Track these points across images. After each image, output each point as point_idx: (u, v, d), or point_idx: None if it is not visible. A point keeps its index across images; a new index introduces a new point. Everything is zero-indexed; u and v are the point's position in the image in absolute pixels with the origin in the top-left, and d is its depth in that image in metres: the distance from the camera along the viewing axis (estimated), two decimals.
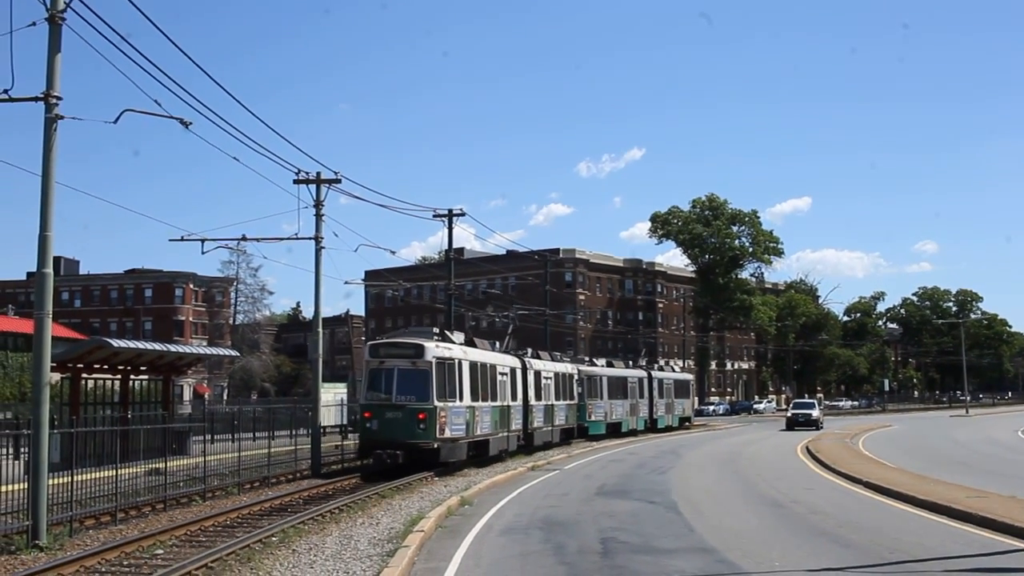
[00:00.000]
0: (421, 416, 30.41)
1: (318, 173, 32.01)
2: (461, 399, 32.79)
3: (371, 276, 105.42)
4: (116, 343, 31.44)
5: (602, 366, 58.75)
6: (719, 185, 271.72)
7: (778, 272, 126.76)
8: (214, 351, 45.88)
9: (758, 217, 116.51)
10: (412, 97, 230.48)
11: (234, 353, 49.86)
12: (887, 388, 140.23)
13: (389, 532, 18.30)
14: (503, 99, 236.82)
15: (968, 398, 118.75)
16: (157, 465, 24.97)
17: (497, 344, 43.97)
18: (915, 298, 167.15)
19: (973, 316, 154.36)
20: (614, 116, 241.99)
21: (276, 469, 31.01)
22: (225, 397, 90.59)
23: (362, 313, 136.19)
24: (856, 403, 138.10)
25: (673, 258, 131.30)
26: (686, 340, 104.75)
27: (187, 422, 35.94)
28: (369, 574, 13.95)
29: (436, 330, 35.32)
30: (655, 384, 66.67)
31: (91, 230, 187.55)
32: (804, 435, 50.59)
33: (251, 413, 43.11)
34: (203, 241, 32.83)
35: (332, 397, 49.56)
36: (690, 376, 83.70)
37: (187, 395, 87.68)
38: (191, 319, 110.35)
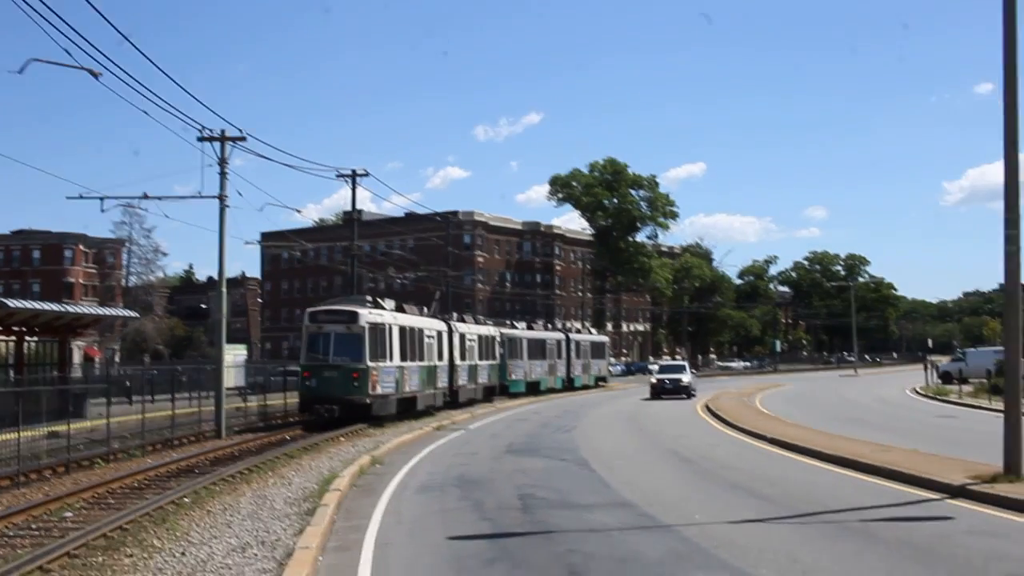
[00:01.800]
0: (355, 375, 33.46)
1: (223, 131, 31.29)
2: (391, 360, 35.79)
3: (268, 238, 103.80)
4: (12, 303, 30.40)
5: (523, 328, 61.37)
6: (615, 150, 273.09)
7: (673, 236, 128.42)
8: (114, 311, 44.74)
9: (656, 181, 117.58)
10: (310, 65, 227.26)
11: (133, 314, 48.73)
12: (778, 349, 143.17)
13: (303, 492, 18.09)
14: (399, 64, 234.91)
15: (856, 359, 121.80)
16: (56, 428, 24.33)
17: (426, 309, 46.52)
18: (805, 262, 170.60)
19: (861, 280, 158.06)
20: (512, 80, 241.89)
21: (179, 431, 30.45)
22: (117, 360, 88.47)
23: (258, 276, 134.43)
24: (748, 364, 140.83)
25: (570, 221, 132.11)
26: (584, 302, 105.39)
27: (89, 383, 34.99)
28: (290, 532, 13.74)
29: (369, 298, 37.95)
30: (572, 346, 69.33)
31: None
32: (698, 396, 51.27)
33: (151, 375, 42.18)
34: (102, 199, 31.95)
35: (231, 359, 48.75)
36: (606, 339, 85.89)
37: (76, 358, 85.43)
38: (81, 281, 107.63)
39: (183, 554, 12.49)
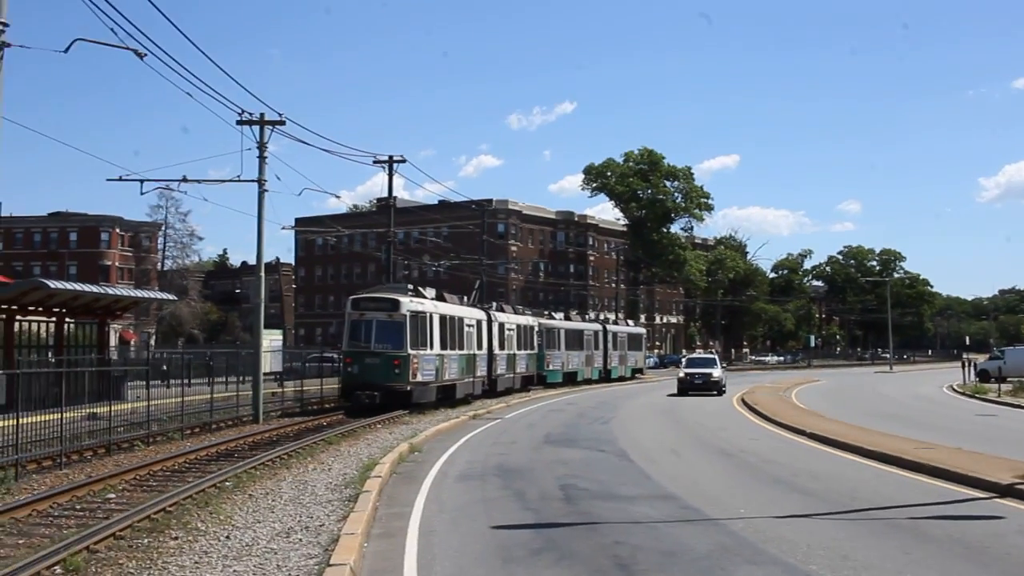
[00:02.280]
0: (396, 362, 34.23)
1: (262, 114, 31.35)
2: (431, 348, 36.63)
3: (302, 223, 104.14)
4: (53, 284, 30.51)
5: (560, 319, 62.52)
6: (648, 141, 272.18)
7: (706, 228, 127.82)
8: (153, 294, 44.83)
9: (692, 173, 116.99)
10: (342, 51, 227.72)
11: (172, 297, 48.86)
12: (812, 344, 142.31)
13: (343, 478, 18.07)
14: (433, 50, 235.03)
15: (891, 355, 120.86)
16: (95, 410, 24.43)
17: (465, 298, 47.48)
18: (840, 256, 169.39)
19: (896, 275, 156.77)
20: (547, 69, 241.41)
21: (217, 415, 30.56)
22: (152, 344, 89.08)
23: (291, 261, 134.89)
24: (781, 358, 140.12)
25: (603, 211, 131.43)
26: (618, 293, 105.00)
27: (127, 365, 35.16)
28: (333, 519, 13.70)
29: (410, 286, 38.51)
30: (610, 337, 70.26)
31: (14, 168, 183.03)
32: (732, 390, 50.78)
33: (190, 359, 42.43)
34: (142, 182, 32.02)
35: (267, 344, 48.92)
36: (643, 330, 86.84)
37: (112, 341, 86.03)
38: (117, 264, 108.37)
39: (228, 538, 12.48)
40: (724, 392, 48.70)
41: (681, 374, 51.54)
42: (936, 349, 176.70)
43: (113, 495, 16.36)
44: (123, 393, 31.05)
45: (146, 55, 18.28)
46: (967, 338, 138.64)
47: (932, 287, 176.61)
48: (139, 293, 41.11)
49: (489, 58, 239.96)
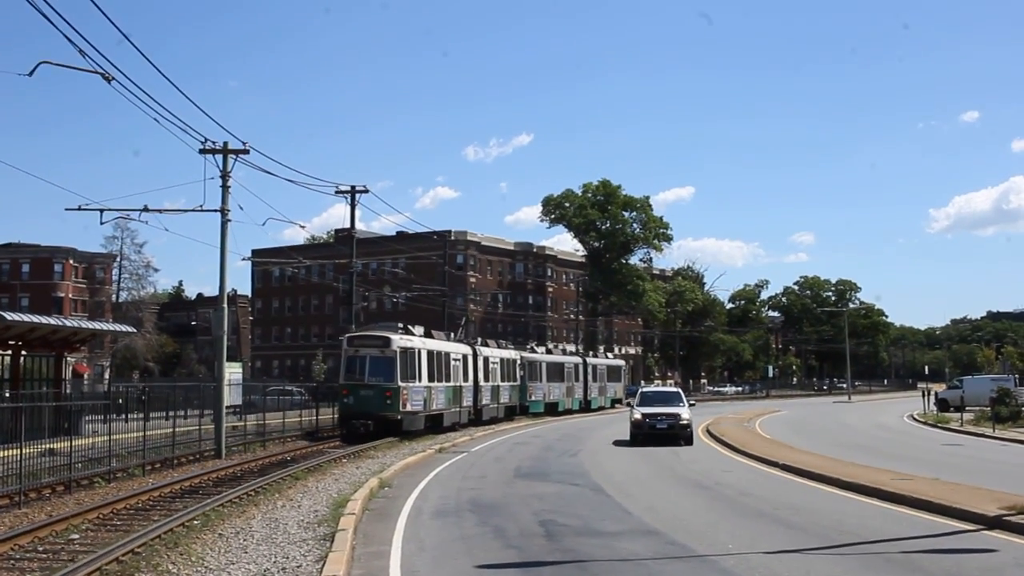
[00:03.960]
0: (388, 394, 37.56)
1: (225, 143, 30.83)
2: (420, 380, 39.86)
3: (258, 254, 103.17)
4: (10, 316, 29.72)
5: (542, 353, 65.45)
6: (604, 173, 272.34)
7: (663, 259, 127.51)
8: (111, 326, 44.05)
9: (650, 204, 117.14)
10: (299, 84, 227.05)
11: (130, 329, 48.02)
12: (770, 374, 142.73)
13: (315, 515, 17.56)
14: (389, 83, 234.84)
15: (849, 385, 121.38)
16: (53, 445, 23.70)
17: (452, 334, 52.41)
18: (796, 287, 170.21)
19: (852, 305, 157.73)
20: (503, 101, 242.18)
21: (178, 450, 29.82)
22: (107, 377, 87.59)
23: (248, 293, 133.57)
24: (740, 389, 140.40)
25: (562, 242, 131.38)
26: (578, 324, 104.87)
27: (84, 399, 34.25)
28: (310, 559, 13.21)
29: (400, 325, 42.07)
30: (590, 369, 73.67)
31: None
32: (696, 420, 49.85)
33: (150, 392, 41.49)
34: (102, 211, 31.47)
35: (227, 377, 48.04)
36: (622, 362, 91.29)
37: (66, 374, 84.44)
38: (71, 296, 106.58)
39: None
40: (693, 441, 35.84)
41: (636, 415, 36.03)
42: (891, 378, 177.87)
43: (77, 535, 15.74)
44: (80, 427, 30.24)
45: (113, 79, 17.81)
46: (926, 368, 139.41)
47: (887, 317, 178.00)
48: (97, 325, 40.29)
49: (446, 90, 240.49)
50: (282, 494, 21.09)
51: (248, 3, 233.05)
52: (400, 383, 37.73)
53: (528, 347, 65.09)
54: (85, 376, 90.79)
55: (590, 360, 75.98)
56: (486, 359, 51.49)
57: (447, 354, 44.54)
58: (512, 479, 24.53)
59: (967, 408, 51.70)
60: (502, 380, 54.25)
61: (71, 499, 20.41)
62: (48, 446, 23.62)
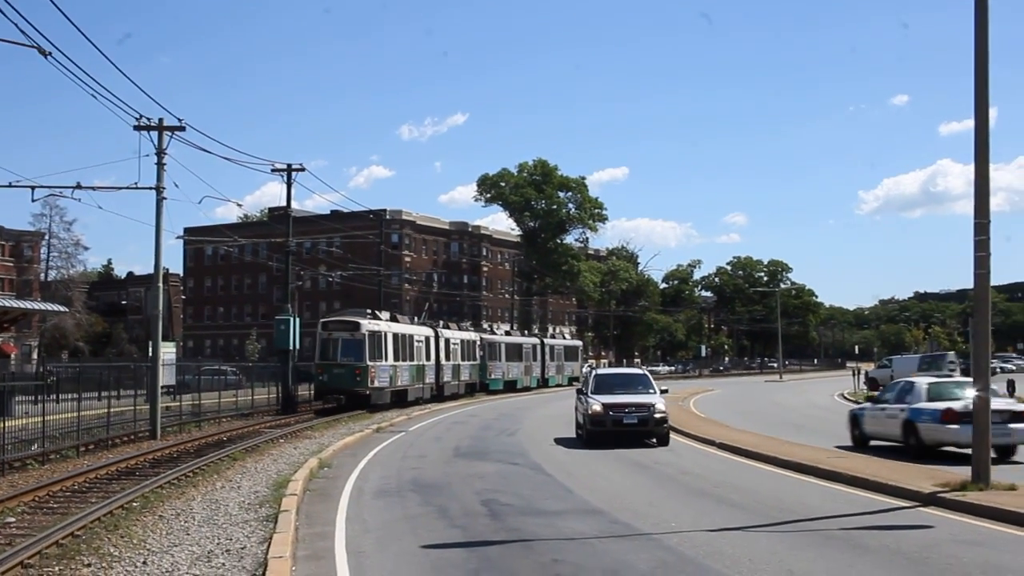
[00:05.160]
0: (357, 372, 42.37)
1: (160, 119, 30.32)
2: (386, 359, 44.76)
3: (191, 232, 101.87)
4: None
5: (501, 334, 71.77)
6: (539, 153, 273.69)
7: (598, 239, 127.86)
8: (43, 306, 43.00)
9: (585, 184, 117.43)
10: (234, 65, 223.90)
11: (63, 308, 47.15)
12: (703, 354, 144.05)
13: (256, 496, 17.43)
14: (323, 64, 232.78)
15: (781, 364, 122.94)
16: None
17: (416, 318, 59.45)
18: (728, 267, 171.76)
19: (783, 286, 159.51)
20: (438, 80, 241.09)
21: (113, 431, 29.40)
22: (35, 357, 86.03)
23: (179, 272, 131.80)
24: (673, 368, 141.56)
25: (497, 221, 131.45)
26: (512, 304, 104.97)
27: (16, 380, 33.60)
28: (254, 540, 13.10)
29: (368, 311, 46.46)
30: (547, 350, 79.34)
31: None
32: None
33: (83, 372, 40.87)
34: (33, 188, 30.79)
35: (161, 357, 47.45)
36: (579, 343, 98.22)
37: None
38: None
39: (145, 563, 11.81)
40: (668, 440, 27.37)
41: (595, 406, 26.83)
42: (821, 358, 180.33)
43: (13, 519, 15.44)
44: (10, 408, 29.65)
45: (50, 54, 17.42)
46: (856, 347, 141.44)
47: (817, 297, 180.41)
48: (29, 304, 39.48)
49: (380, 69, 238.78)
50: (221, 475, 20.89)
51: None
52: (368, 362, 42.37)
53: (487, 328, 72.66)
54: (11, 356, 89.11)
55: (547, 341, 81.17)
56: (447, 340, 55.99)
57: (411, 336, 49.28)
58: (452, 458, 24.52)
59: None
60: (463, 360, 59.04)
61: (4, 481, 20.01)
62: None
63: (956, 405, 21.61)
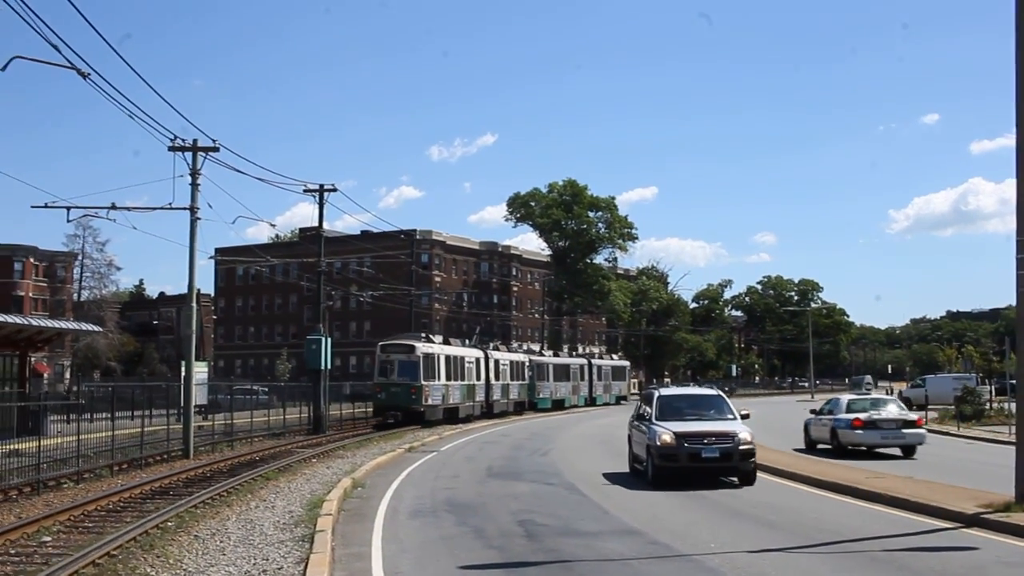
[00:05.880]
0: (413, 391, 46.07)
1: (195, 140, 30.47)
2: (439, 379, 48.56)
3: (222, 253, 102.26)
4: None
5: (549, 356, 75.43)
6: (569, 173, 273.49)
7: (627, 259, 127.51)
8: (76, 325, 43.46)
9: (615, 204, 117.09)
10: (266, 85, 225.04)
11: (96, 328, 47.43)
12: (733, 373, 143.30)
13: (291, 516, 17.35)
14: (355, 83, 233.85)
15: (812, 384, 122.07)
16: (18, 446, 23.30)
17: (467, 341, 63.49)
18: (759, 287, 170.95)
19: (814, 305, 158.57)
20: (468, 101, 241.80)
21: (146, 451, 29.45)
22: (68, 376, 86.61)
23: (210, 292, 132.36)
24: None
25: (526, 241, 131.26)
26: (543, 324, 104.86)
27: (49, 399, 33.75)
28: (291, 560, 13.02)
29: (423, 334, 51.83)
30: (594, 370, 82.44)
31: None
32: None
33: (116, 392, 41.10)
34: (68, 208, 30.92)
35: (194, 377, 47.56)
36: (627, 363, 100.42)
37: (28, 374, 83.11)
38: (31, 295, 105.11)
39: None
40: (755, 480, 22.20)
41: (663, 435, 21.69)
42: (852, 377, 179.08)
43: (49, 538, 15.44)
44: (45, 428, 29.78)
45: (89, 75, 17.56)
46: (889, 367, 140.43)
47: (848, 316, 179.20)
48: (63, 324, 39.76)
49: (411, 90, 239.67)
50: (255, 495, 20.85)
51: (221, 5, 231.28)
52: (423, 382, 46.06)
53: (537, 351, 74.30)
54: (45, 376, 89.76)
55: (595, 361, 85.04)
56: (496, 361, 59.48)
57: (462, 358, 53.32)
58: (485, 478, 24.38)
59: (930, 406, 52.08)
60: (512, 379, 62.39)
61: (40, 500, 20.06)
62: (14, 447, 23.24)
63: (863, 416, 29.44)
